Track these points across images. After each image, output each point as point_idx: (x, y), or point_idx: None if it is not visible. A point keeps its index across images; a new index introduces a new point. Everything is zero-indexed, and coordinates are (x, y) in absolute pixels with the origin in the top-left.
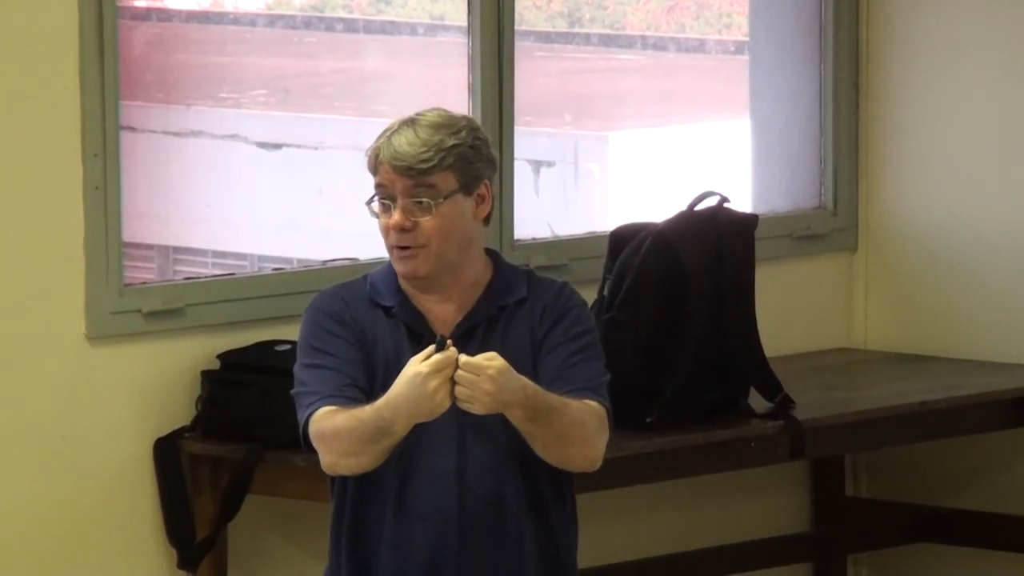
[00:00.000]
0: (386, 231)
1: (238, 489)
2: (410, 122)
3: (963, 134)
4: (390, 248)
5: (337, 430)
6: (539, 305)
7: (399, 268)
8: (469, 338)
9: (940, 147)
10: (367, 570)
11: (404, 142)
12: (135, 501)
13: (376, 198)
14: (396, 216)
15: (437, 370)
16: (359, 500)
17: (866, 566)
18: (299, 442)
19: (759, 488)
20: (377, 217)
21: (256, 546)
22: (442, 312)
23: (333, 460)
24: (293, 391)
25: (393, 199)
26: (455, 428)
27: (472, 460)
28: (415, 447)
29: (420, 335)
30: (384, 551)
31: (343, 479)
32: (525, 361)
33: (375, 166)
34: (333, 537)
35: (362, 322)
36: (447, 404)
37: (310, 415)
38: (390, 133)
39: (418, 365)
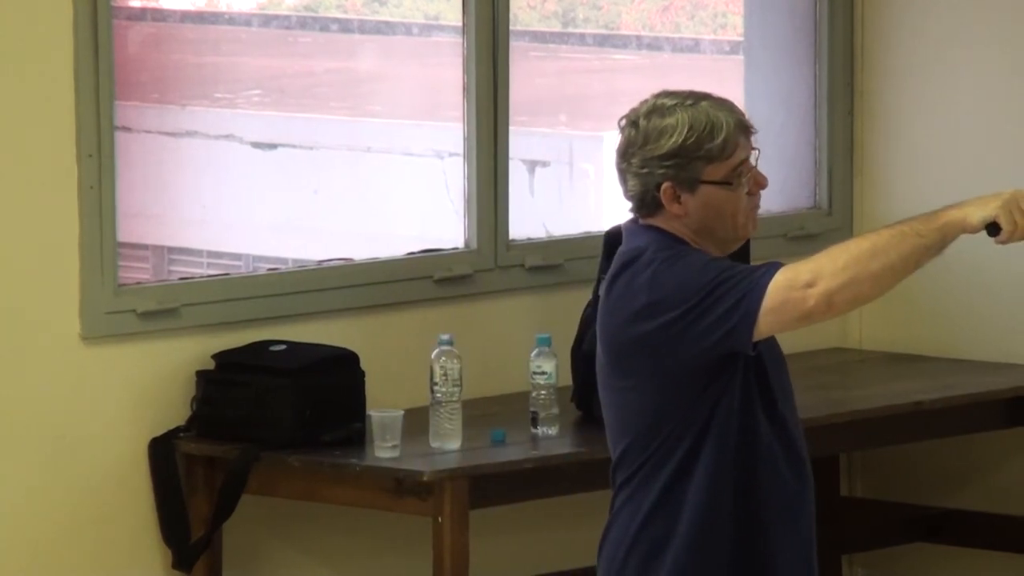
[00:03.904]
0: (744, 199)
1: (233, 489)
2: (702, 97)
3: (957, 134)
4: (743, 216)
5: (858, 252)
6: None
7: (750, 230)
8: None
9: (934, 147)
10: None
11: (738, 108)
12: (130, 501)
13: (742, 173)
14: (762, 175)
15: None
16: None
17: (861, 566)
18: (294, 442)
19: None
20: (735, 191)
21: (251, 546)
22: None
23: (838, 290)
24: (720, 291)
25: (751, 165)
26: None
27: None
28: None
29: None
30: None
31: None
32: None
33: (732, 143)
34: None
35: None
36: (1023, 222)
37: (772, 276)
38: (715, 111)
39: None
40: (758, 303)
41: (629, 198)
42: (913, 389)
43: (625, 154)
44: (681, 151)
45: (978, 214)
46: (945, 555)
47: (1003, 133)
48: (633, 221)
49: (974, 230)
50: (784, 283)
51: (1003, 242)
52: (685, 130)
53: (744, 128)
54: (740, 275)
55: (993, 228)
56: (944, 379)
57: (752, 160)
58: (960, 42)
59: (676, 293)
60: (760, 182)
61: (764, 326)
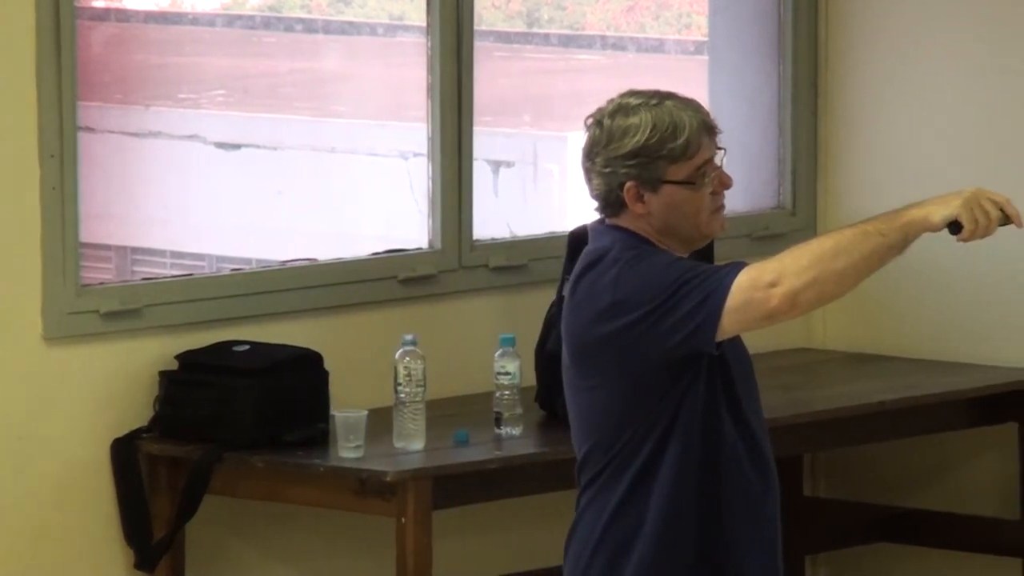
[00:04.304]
0: (708, 199)
1: (196, 489)
2: (667, 96)
3: (921, 134)
4: (708, 215)
5: (821, 252)
6: None
7: (715, 229)
8: None
9: (898, 147)
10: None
11: (703, 109)
12: (92, 502)
13: (706, 173)
14: (727, 175)
15: (1002, 200)
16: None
17: (824, 566)
18: (257, 442)
19: None
20: (698, 191)
21: (214, 546)
22: None
23: (802, 289)
24: (683, 291)
25: (715, 165)
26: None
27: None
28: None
29: None
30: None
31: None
32: None
33: (694, 144)
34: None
35: None
36: (984, 221)
37: (735, 276)
38: (679, 111)
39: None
40: (721, 303)
41: (594, 197)
42: (876, 389)
43: (590, 153)
44: (643, 150)
45: (940, 213)
46: (908, 555)
47: (966, 132)
48: (600, 221)
49: (936, 229)
50: (748, 283)
51: (964, 240)
52: (648, 130)
53: (708, 128)
54: (704, 275)
55: (955, 227)
56: (907, 379)
57: (717, 160)
58: (923, 42)
59: (640, 293)
60: (725, 182)
61: (728, 325)
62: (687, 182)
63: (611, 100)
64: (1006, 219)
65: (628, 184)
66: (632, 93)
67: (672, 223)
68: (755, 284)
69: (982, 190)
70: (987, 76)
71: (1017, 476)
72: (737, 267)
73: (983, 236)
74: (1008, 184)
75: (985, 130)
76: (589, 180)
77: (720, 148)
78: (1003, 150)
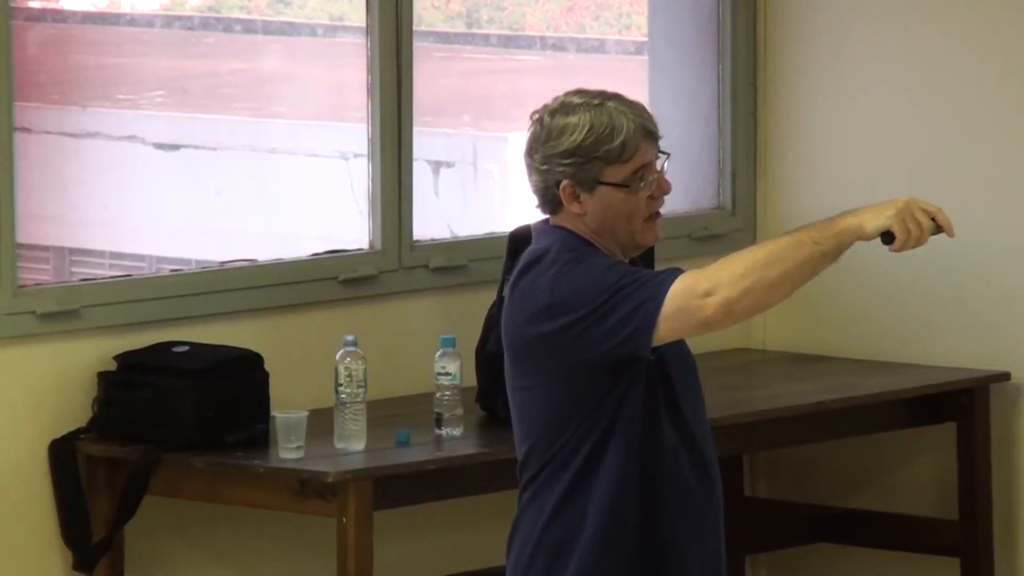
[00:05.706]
0: (644, 204)
1: (135, 490)
2: (611, 97)
3: (860, 135)
4: (641, 221)
5: (755, 261)
6: None
7: (649, 238)
8: None
9: (837, 148)
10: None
11: (646, 113)
12: (30, 503)
13: (643, 177)
14: (666, 181)
15: (933, 210)
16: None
17: (764, 566)
18: (197, 443)
19: None
20: (633, 194)
21: (153, 547)
22: None
23: (737, 299)
24: (619, 296)
25: (654, 169)
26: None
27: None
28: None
29: None
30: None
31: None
32: None
33: (631, 147)
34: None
35: None
36: (916, 231)
37: (671, 283)
38: (619, 113)
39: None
40: (657, 310)
41: (533, 193)
42: (815, 389)
43: (530, 150)
44: (579, 150)
45: (873, 223)
46: (848, 555)
47: (904, 133)
48: (544, 221)
49: (869, 238)
50: (683, 290)
51: (897, 250)
52: (585, 130)
53: (648, 133)
54: (641, 280)
55: (888, 236)
56: (845, 379)
57: (658, 165)
58: (862, 43)
59: (577, 296)
60: (663, 188)
61: (663, 332)
62: (622, 185)
63: (557, 97)
64: (938, 228)
65: (564, 183)
66: (577, 92)
67: (607, 225)
68: (690, 292)
69: (915, 200)
70: (925, 78)
71: (955, 476)
72: (674, 274)
73: (915, 246)
74: (944, 184)
75: (922, 131)
76: (529, 176)
77: (663, 153)
78: (940, 151)
